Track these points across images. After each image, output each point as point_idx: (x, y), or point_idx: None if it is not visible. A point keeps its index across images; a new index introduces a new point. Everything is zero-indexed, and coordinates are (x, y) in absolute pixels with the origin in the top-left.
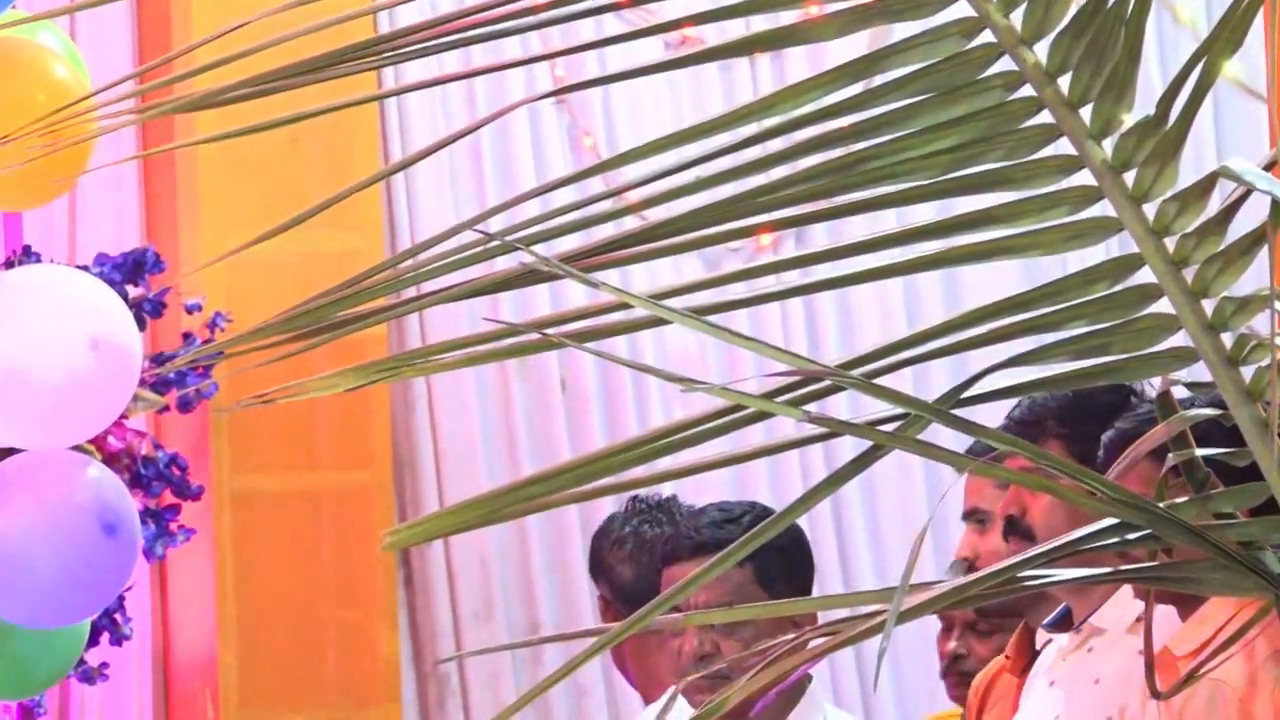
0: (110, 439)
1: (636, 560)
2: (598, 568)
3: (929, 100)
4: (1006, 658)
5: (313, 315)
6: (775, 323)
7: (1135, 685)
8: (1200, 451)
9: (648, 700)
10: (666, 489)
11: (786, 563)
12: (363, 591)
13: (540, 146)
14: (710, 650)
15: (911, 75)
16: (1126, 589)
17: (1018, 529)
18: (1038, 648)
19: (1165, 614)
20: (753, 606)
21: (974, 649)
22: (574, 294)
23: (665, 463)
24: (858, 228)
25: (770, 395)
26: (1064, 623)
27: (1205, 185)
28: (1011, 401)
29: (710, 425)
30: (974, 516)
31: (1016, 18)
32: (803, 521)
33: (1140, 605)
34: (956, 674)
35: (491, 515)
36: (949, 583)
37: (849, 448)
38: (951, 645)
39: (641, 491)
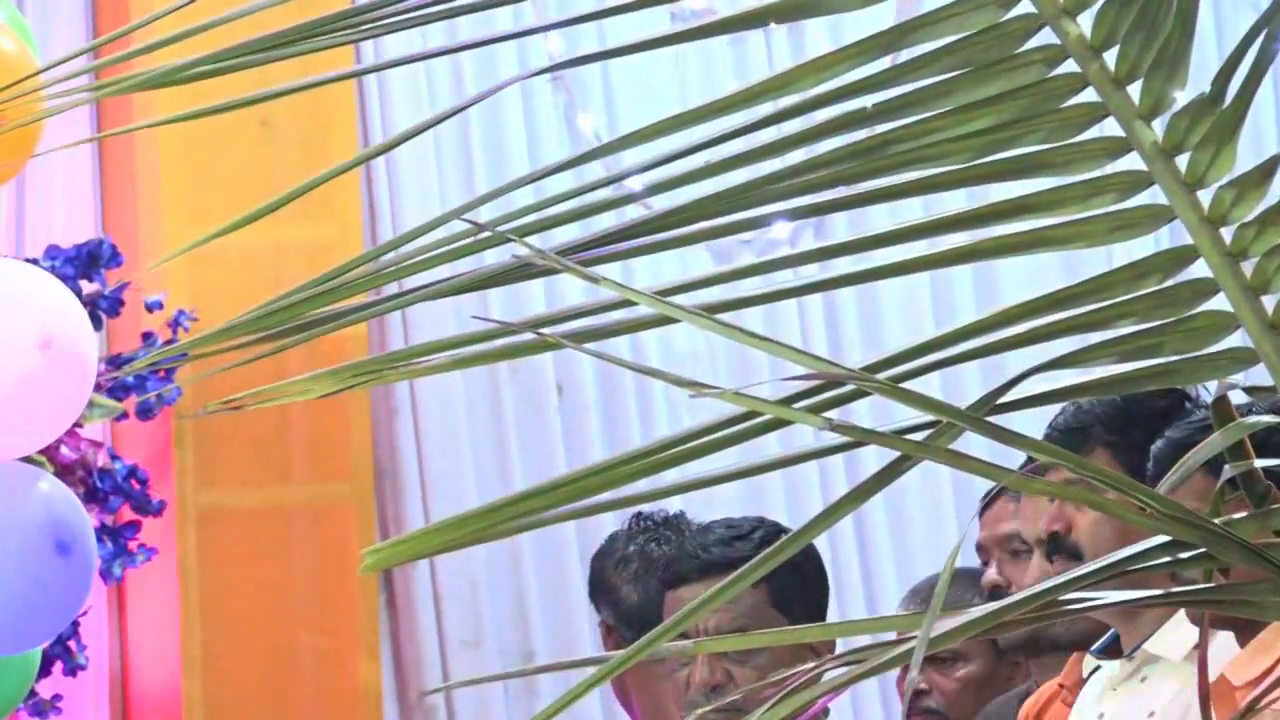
0: (63, 449)
1: (643, 581)
2: (600, 590)
3: (962, 77)
4: (1061, 686)
5: (286, 313)
6: (792, 322)
7: (1195, 717)
8: (1260, 462)
9: None
10: (673, 504)
11: (803, 583)
12: (340, 617)
13: (534, 129)
14: (722, 680)
15: (943, 49)
16: (1184, 612)
17: (1063, 547)
18: (1085, 675)
19: (1223, 641)
20: (770, 632)
21: (935, 683)
22: (571, 290)
23: (671, 475)
24: (882, 217)
25: (787, 401)
26: (1113, 649)
27: (1266, 170)
28: (1052, 409)
29: (721, 434)
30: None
31: None
32: (823, 539)
33: (1195, 632)
34: (920, 712)
35: (481, 533)
36: (984, 607)
37: (873, 459)
38: (914, 673)
39: (646, 507)
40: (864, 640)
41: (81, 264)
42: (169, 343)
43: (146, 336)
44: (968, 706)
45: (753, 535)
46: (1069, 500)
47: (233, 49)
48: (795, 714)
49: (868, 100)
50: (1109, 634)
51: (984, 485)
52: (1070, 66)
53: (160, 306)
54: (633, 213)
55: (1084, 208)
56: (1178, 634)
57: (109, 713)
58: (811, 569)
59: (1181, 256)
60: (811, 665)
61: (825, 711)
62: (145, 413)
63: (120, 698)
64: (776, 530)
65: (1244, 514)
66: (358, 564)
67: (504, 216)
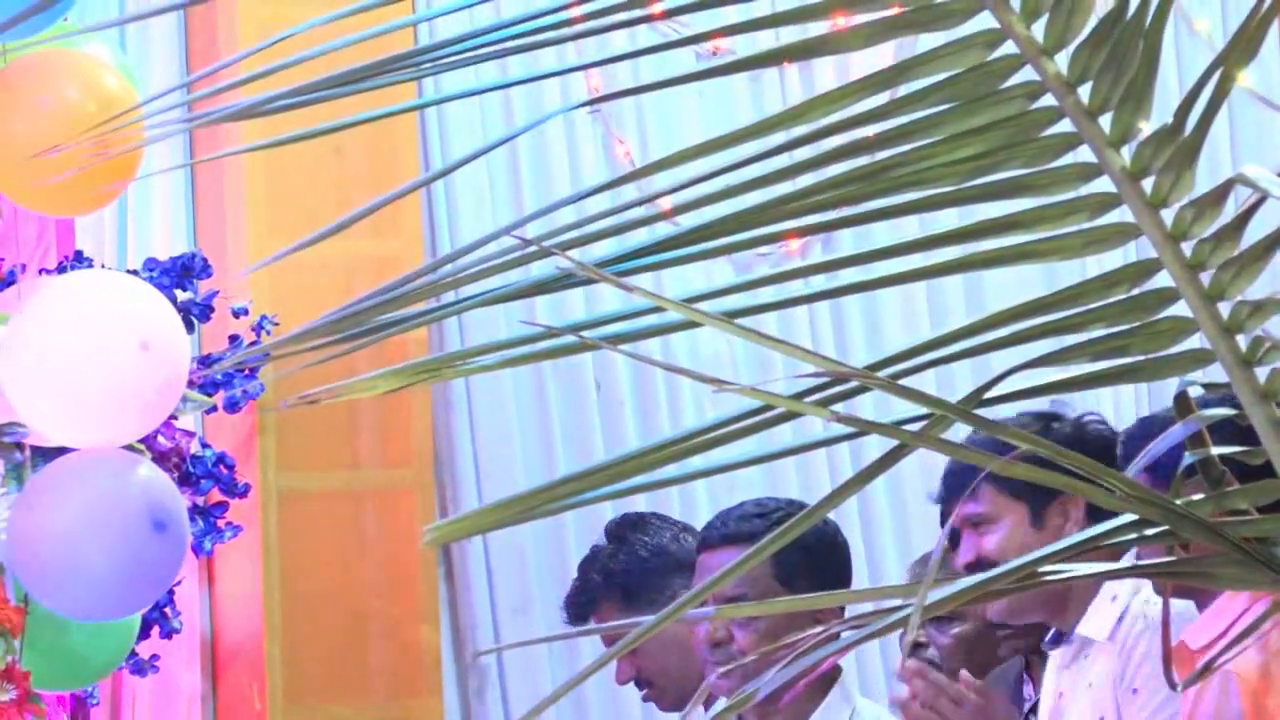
0: (160, 438)
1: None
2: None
3: (953, 109)
4: None
5: (356, 318)
6: (803, 325)
7: (1114, 686)
8: (1216, 450)
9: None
10: (697, 487)
11: (810, 561)
12: (405, 586)
13: (575, 155)
14: (724, 637)
15: (936, 85)
16: (1103, 598)
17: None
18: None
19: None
20: (781, 601)
21: (933, 637)
22: (608, 298)
23: (697, 462)
24: (883, 233)
25: (799, 396)
26: (1058, 639)
27: (1221, 191)
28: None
29: (741, 425)
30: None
31: (1038, 29)
32: (831, 517)
33: (1117, 611)
34: (920, 661)
35: (529, 512)
36: (973, 578)
37: (875, 447)
38: (911, 635)
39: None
40: (868, 607)
41: (176, 275)
42: (253, 344)
43: (233, 339)
44: (958, 660)
45: (773, 514)
46: (1045, 484)
47: (310, 85)
48: (806, 672)
49: (870, 130)
50: (1053, 632)
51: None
52: (1048, 100)
53: (246, 312)
54: (663, 229)
55: (1061, 225)
56: (1100, 619)
57: (200, 671)
58: (822, 549)
59: (1147, 268)
60: (820, 629)
61: (838, 668)
62: (232, 406)
63: (210, 657)
64: (797, 512)
65: (1202, 495)
66: (420, 540)
67: (549, 233)
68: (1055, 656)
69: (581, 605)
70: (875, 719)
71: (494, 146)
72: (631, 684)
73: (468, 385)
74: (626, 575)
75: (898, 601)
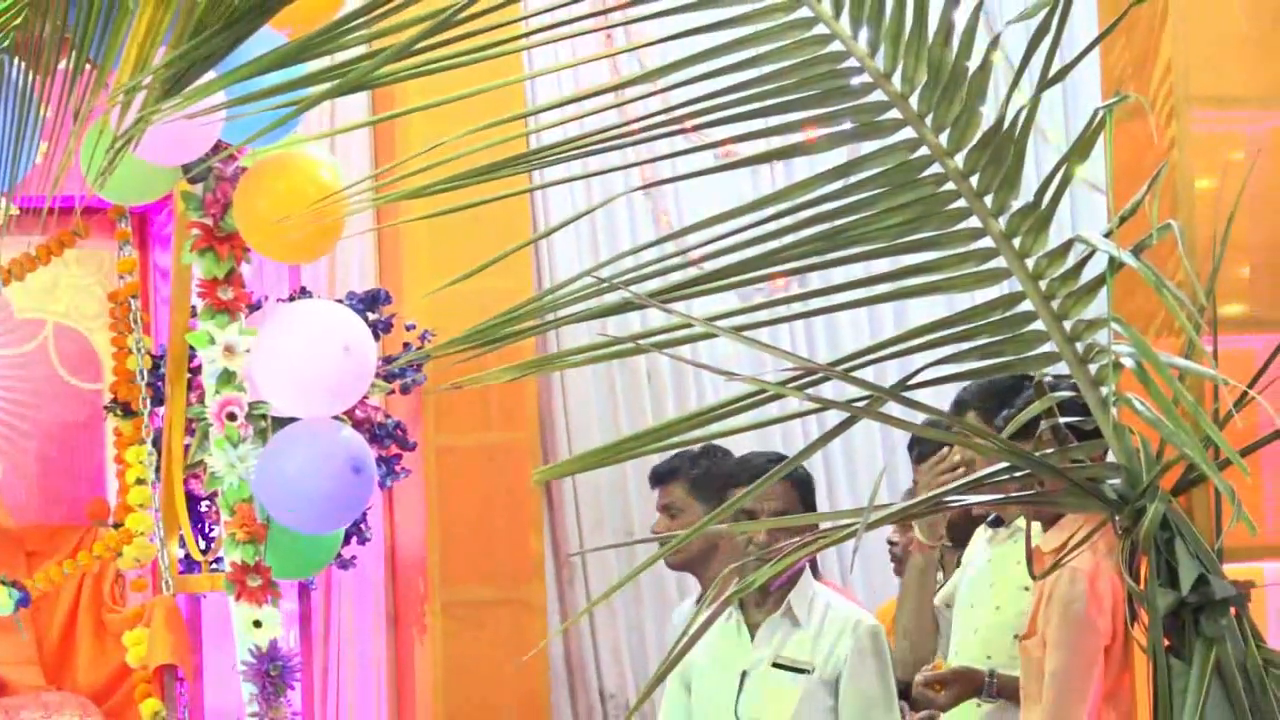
0: (357, 411)
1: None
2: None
3: (885, 191)
4: None
5: (488, 331)
6: (785, 335)
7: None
8: (1062, 419)
9: None
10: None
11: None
12: (520, 508)
13: (634, 220)
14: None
15: (874, 175)
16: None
17: None
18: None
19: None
20: (787, 519)
21: (916, 541)
22: (655, 316)
23: (715, 427)
24: (839, 274)
25: (783, 383)
26: (997, 521)
27: (1065, 247)
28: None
29: (744, 403)
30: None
31: (944, 138)
32: (805, 465)
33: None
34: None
35: (603, 461)
36: (899, 503)
37: (834, 418)
38: (858, 541)
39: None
40: (828, 525)
41: (367, 302)
42: (419, 349)
43: (406, 346)
44: (935, 539)
45: (766, 462)
46: (951, 444)
47: (460, 174)
48: (783, 571)
49: (830, 205)
50: (993, 515)
51: (903, 436)
52: (950, 186)
53: (414, 328)
54: (691, 271)
55: (958, 269)
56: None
57: (384, 567)
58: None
59: (1016, 298)
60: (796, 539)
61: (804, 565)
62: (405, 390)
63: (391, 557)
64: (781, 460)
65: (1053, 450)
66: (530, 478)
67: (616, 273)
68: (984, 531)
69: (663, 474)
70: (829, 597)
71: (579, 217)
72: (673, 574)
73: (562, 376)
74: (705, 471)
75: (848, 521)
